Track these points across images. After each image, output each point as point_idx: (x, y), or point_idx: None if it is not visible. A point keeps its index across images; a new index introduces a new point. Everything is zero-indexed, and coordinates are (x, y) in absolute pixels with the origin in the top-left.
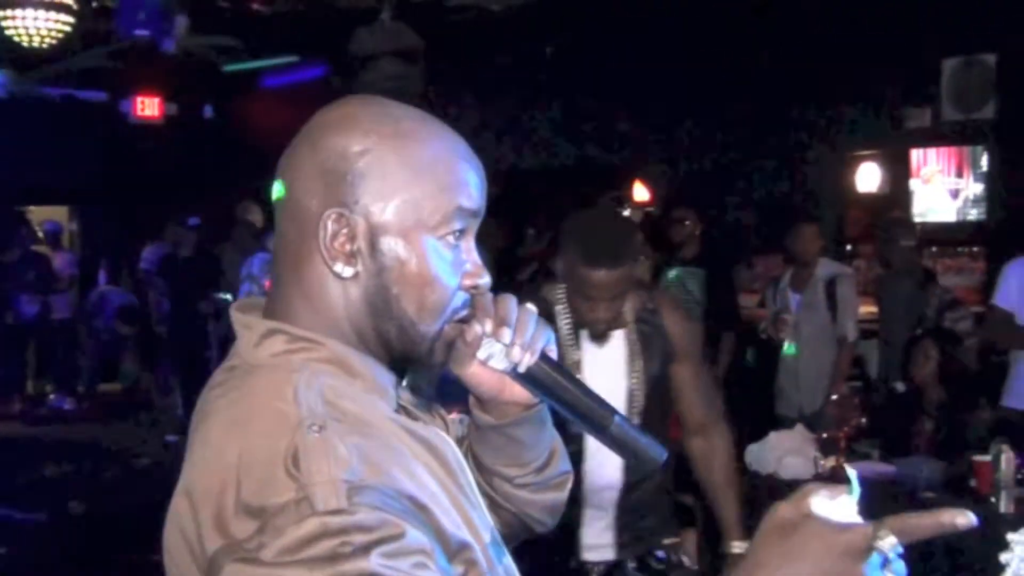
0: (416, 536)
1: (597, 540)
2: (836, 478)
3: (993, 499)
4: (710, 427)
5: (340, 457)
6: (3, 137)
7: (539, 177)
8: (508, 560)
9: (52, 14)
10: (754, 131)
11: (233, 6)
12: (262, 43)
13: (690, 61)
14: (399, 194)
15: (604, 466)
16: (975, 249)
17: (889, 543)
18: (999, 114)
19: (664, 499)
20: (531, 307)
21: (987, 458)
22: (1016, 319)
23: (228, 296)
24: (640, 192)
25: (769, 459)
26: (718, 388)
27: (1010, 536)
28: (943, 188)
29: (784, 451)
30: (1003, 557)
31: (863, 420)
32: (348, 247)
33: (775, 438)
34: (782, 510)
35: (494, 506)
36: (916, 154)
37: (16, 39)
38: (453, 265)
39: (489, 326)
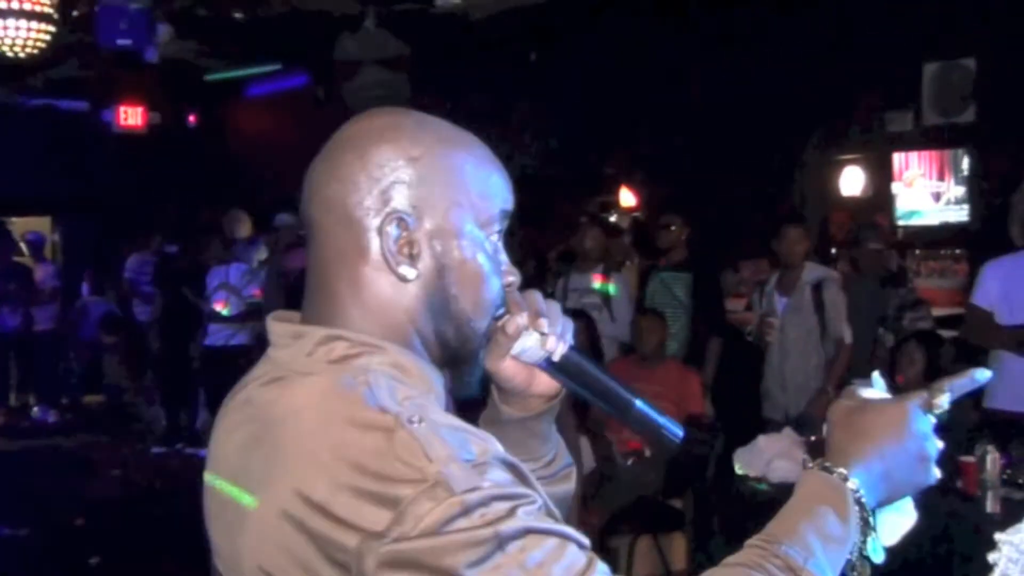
0: (539, 496)
1: None
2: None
3: (979, 499)
4: None
5: (452, 441)
6: None
7: (525, 184)
8: None
9: (33, 23)
10: (738, 136)
11: (212, 13)
12: (245, 51)
13: (674, 66)
14: (452, 198)
15: None
16: (957, 251)
17: (945, 399)
18: (979, 117)
19: None
20: (553, 301)
21: (972, 459)
22: (995, 319)
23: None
24: (627, 198)
25: (758, 462)
26: (706, 391)
27: (997, 536)
28: (925, 191)
29: (773, 454)
30: (991, 557)
31: None
32: (409, 250)
33: (764, 441)
34: (840, 405)
35: None
36: (898, 158)
37: None
38: (496, 264)
39: (525, 318)
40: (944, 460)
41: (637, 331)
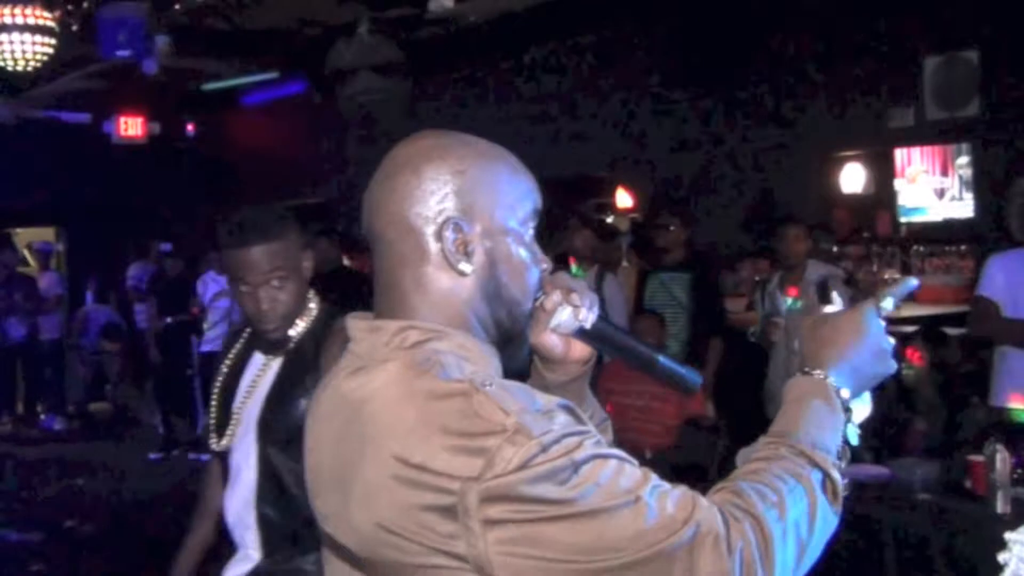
0: (596, 433)
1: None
2: None
3: (989, 499)
4: None
5: (521, 396)
6: None
7: None
8: None
9: (35, 37)
10: (737, 134)
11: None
12: (242, 61)
13: (671, 66)
14: (497, 202)
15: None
16: (962, 247)
17: (889, 302)
18: (983, 111)
19: None
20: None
21: (982, 458)
22: (1002, 311)
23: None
24: (623, 199)
25: None
26: (707, 392)
27: (1008, 535)
28: (928, 187)
29: None
30: (1001, 557)
31: None
32: (465, 249)
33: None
34: (807, 322)
35: None
36: (900, 154)
37: (0, 64)
38: (534, 254)
39: (559, 295)
40: (896, 353)
41: (635, 332)
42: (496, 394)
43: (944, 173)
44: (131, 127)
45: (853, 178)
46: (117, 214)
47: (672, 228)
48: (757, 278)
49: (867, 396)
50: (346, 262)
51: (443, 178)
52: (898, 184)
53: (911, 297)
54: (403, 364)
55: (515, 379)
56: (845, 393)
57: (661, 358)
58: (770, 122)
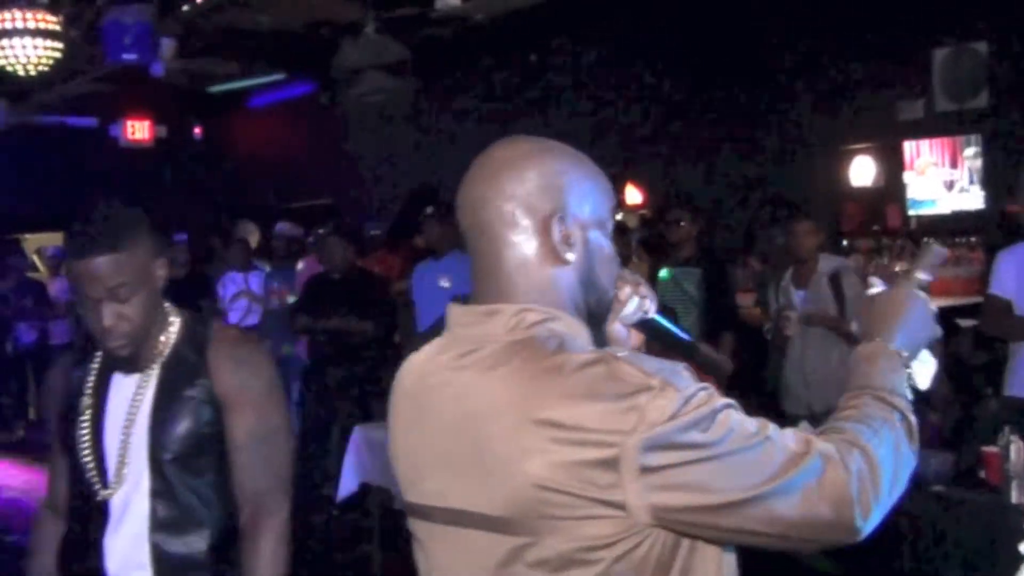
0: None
1: None
2: None
3: (1004, 490)
4: (257, 500)
5: (652, 360)
6: None
7: None
8: None
9: (41, 41)
10: (746, 129)
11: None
12: (249, 62)
13: (679, 60)
14: (590, 199)
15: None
16: (972, 239)
17: (925, 273)
18: (992, 103)
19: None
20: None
21: (996, 449)
22: (1015, 308)
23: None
24: (633, 195)
25: None
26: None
27: None
28: (938, 180)
29: None
30: (1023, 547)
31: None
32: (567, 240)
33: None
34: (864, 301)
35: None
36: (909, 146)
37: (7, 69)
38: (614, 247)
39: (630, 288)
40: (939, 318)
41: None
42: (632, 360)
43: (953, 165)
44: (138, 131)
45: (862, 171)
46: None
47: (683, 223)
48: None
49: (928, 355)
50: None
51: (548, 177)
52: (907, 177)
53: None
54: (531, 343)
55: None
56: (904, 353)
57: (701, 346)
58: (779, 116)
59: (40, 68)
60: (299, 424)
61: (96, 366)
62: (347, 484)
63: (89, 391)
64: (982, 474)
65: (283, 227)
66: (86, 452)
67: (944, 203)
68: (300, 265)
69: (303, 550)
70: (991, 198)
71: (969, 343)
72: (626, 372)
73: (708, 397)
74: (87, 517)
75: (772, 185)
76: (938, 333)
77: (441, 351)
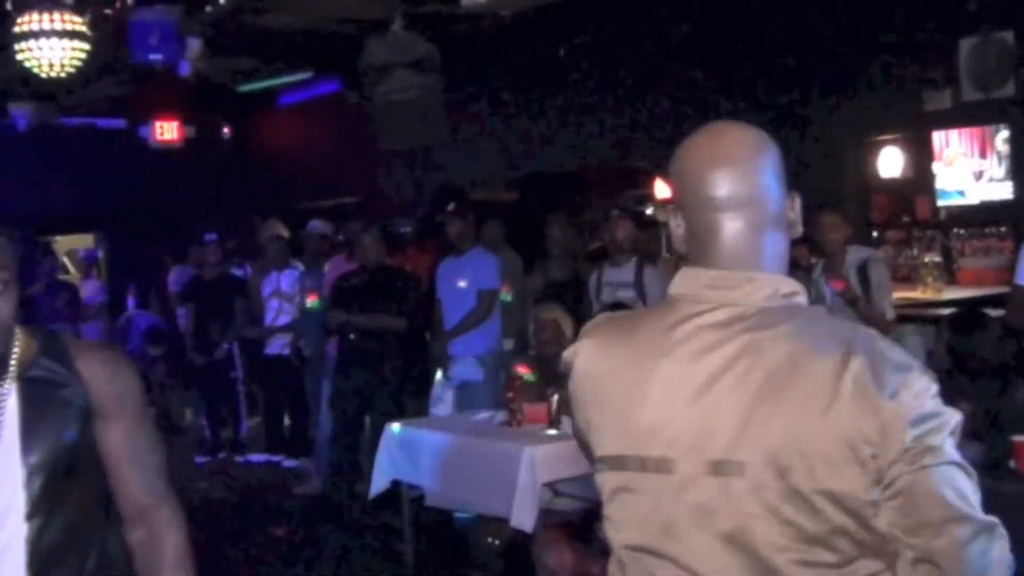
0: None
1: None
2: None
3: None
4: (151, 512)
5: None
6: (27, 168)
7: (560, 180)
8: None
9: (67, 42)
10: (773, 121)
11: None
12: (276, 61)
13: (708, 54)
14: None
15: None
16: (1002, 229)
17: None
18: (1020, 91)
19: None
20: None
21: None
22: None
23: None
24: (662, 189)
25: None
26: None
27: None
28: (966, 170)
29: None
30: None
31: None
32: (794, 216)
33: None
34: None
35: None
36: (938, 136)
37: (35, 70)
38: None
39: None
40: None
41: None
42: (891, 342)
43: (982, 155)
44: (167, 131)
45: (891, 162)
46: (155, 219)
47: None
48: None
49: None
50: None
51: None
52: (936, 167)
53: (951, 279)
54: (801, 311)
55: None
56: None
57: None
58: (807, 108)
59: (67, 69)
60: (331, 422)
61: None
62: (379, 481)
63: None
64: (1012, 464)
65: (315, 225)
66: None
67: (973, 193)
68: (327, 265)
69: (336, 547)
70: (1020, 187)
71: (998, 333)
72: (897, 351)
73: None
74: None
75: (800, 178)
76: None
77: (694, 311)
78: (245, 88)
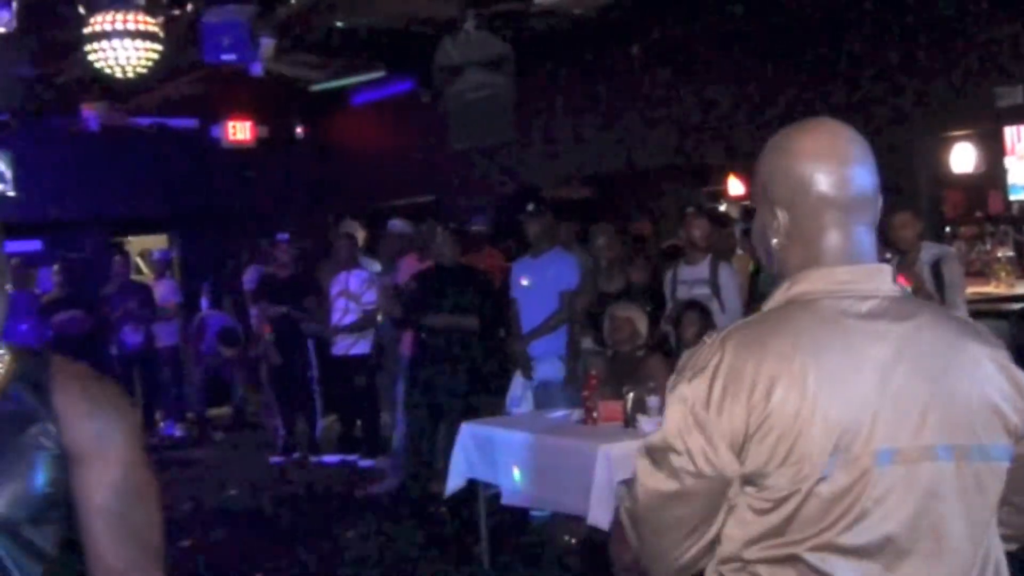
0: None
1: None
2: None
3: None
4: None
5: None
6: (99, 169)
7: (634, 178)
8: None
9: (139, 43)
10: (845, 117)
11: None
12: (349, 60)
13: (777, 48)
14: None
15: None
16: None
17: None
18: None
19: None
20: None
21: None
22: None
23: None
24: (735, 186)
25: None
26: None
27: None
28: None
29: None
30: None
31: None
32: None
33: None
34: None
35: None
36: (1010, 132)
37: (106, 71)
38: None
39: None
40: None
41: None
42: None
43: None
44: (239, 131)
45: (963, 158)
46: (228, 219)
47: None
48: None
49: None
50: None
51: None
52: (1008, 162)
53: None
54: (919, 301)
55: None
56: None
57: None
58: (879, 104)
59: (139, 70)
60: (405, 422)
61: None
62: (455, 480)
63: None
64: None
65: (396, 224)
66: None
67: None
68: (400, 265)
69: (411, 546)
70: None
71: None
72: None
73: None
74: None
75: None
76: None
77: (851, 304)
78: (318, 87)
